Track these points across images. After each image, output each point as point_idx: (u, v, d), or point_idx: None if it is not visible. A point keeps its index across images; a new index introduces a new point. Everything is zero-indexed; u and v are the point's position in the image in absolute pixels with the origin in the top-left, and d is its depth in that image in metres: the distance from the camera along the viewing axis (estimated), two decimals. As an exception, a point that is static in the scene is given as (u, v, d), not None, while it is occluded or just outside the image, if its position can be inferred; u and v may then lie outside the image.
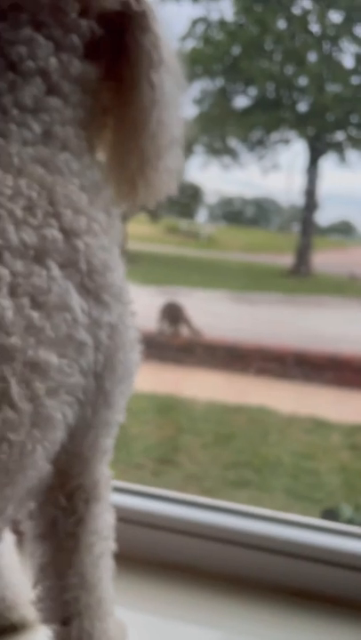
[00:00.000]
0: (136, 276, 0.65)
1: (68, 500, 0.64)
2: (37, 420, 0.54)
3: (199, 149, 3.01)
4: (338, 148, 2.85)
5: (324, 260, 3.30)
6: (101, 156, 0.65)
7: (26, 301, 0.53)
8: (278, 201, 3.63)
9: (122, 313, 0.60)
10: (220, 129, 3.05)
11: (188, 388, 2.82)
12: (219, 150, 3.10)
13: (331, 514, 1.31)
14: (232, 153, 3.08)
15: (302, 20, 2.62)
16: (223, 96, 2.90)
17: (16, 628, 0.76)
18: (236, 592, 0.86)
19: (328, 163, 2.89)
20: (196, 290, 3.40)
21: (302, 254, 3.11)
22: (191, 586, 0.87)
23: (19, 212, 0.55)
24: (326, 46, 2.65)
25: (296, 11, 2.64)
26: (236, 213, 3.77)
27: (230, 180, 3.31)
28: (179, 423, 2.58)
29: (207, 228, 3.72)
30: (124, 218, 0.66)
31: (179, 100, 0.65)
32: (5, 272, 0.53)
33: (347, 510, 1.29)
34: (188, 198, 3.39)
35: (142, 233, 3.45)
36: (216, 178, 3.26)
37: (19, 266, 0.54)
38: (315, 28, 2.63)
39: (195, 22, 2.67)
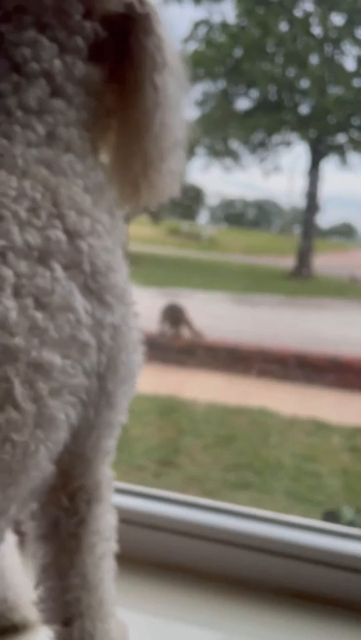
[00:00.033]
0: (137, 278, 0.65)
1: (70, 500, 0.64)
2: (41, 420, 0.54)
3: (201, 151, 3.01)
4: (339, 150, 2.85)
5: (326, 262, 3.31)
6: (105, 157, 0.65)
7: (30, 302, 0.53)
8: (280, 203, 3.64)
9: (125, 314, 0.60)
10: (222, 131, 3.05)
11: (190, 389, 2.81)
12: (220, 152, 3.10)
13: (332, 516, 1.31)
14: (234, 155, 3.08)
15: (304, 23, 2.62)
16: (225, 98, 2.90)
17: (18, 628, 0.76)
18: (237, 594, 0.86)
19: (329, 165, 2.90)
20: (198, 291, 3.40)
21: (303, 256, 3.11)
22: (192, 587, 0.87)
23: (23, 214, 0.55)
24: (328, 49, 2.65)
25: (298, 13, 2.64)
26: (237, 215, 3.77)
27: (232, 182, 3.32)
28: (180, 425, 2.58)
29: (209, 230, 3.72)
30: (127, 219, 0.67)
31: (182, 102, 0.65)
32: (9, 273, 0.53)
33: (348, 512, 1.29)
34: (190, 200, 3.39)
35: (144, 235, 3.45)
36: (218, 180, 3.26)
37: (23, 267, 0.54)
38: (317, 30, 2.63)
39: (197, 24, 2.67)
